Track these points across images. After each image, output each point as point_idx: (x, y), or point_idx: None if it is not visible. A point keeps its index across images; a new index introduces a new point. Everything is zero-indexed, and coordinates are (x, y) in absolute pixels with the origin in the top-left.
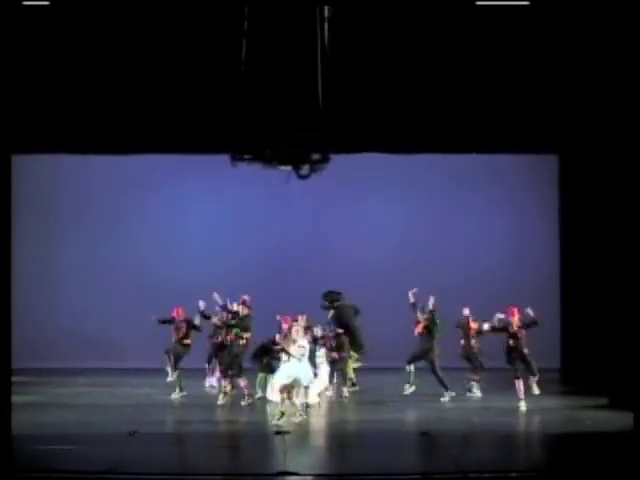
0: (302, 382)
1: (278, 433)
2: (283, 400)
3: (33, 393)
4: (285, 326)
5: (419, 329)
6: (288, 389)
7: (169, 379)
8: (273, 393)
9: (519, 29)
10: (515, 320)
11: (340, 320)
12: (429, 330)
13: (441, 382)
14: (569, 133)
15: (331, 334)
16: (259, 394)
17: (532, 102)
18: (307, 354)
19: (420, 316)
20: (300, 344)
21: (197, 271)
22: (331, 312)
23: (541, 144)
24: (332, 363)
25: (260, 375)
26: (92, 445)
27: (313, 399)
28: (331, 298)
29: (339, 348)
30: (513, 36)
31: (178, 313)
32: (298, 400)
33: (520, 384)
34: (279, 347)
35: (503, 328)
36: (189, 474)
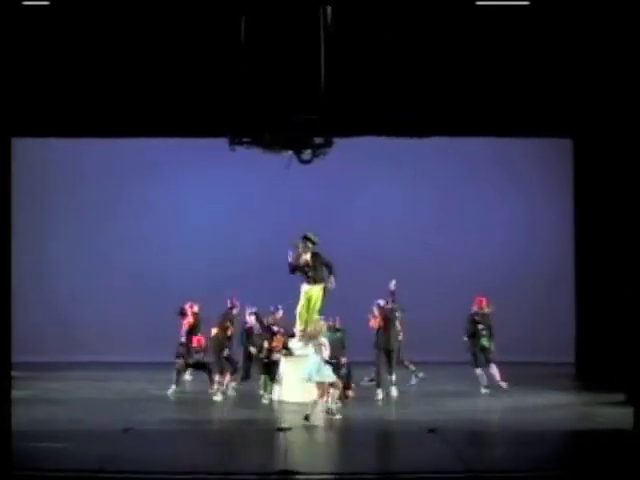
0: (328, 379)
1: (279, 430)
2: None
3: (22, 388)
4: (277, 316)
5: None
6: (323, 388)
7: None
8: (285, 393)
9: (533, 12)
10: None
11: None
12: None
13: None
14: (584, 115)
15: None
16: (265, 397)
17: (544, 82)
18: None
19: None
20: (321, 341)
21: (195, 260)
22: None
23: (554, 127)
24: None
25: (263, 377)
26: (84, 443)
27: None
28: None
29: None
30: (526, 18)
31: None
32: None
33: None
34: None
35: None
36: (186, 473)
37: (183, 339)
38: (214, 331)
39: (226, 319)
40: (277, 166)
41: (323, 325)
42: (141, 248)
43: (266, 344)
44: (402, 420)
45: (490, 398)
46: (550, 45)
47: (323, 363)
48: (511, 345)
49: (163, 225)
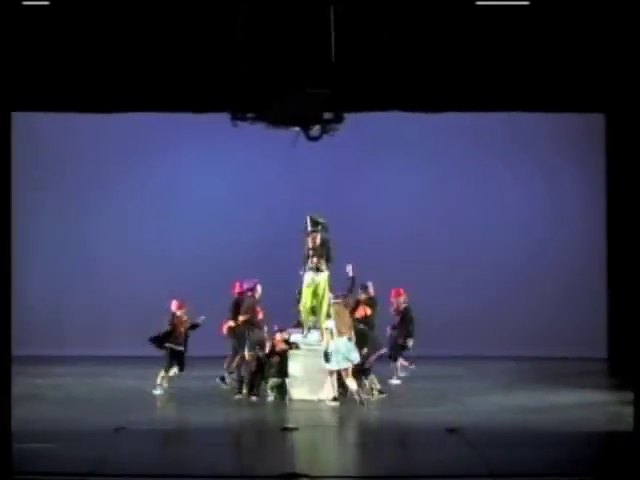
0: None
1: (285, 430)
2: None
3: None
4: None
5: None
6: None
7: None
8: (292, 390)
9: None
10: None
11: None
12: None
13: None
14: (618, 87)
15: None
16: (271, 397)
17: (573, 51)
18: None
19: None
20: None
21: (193, 245)
22: None
23: (585, 101)
24: None
25: (273, 380)
26: (72, 444)
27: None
28: None
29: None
30: None
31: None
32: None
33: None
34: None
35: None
36: (183, 476)
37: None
38: (241, 319)
39: (249, 306)
40: (283, 143)
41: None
42: (134, 233)
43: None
44: (418, 419)
45: (514, 396)
46: (580, 13)
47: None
48: (536, 339)
49: (159, 208)
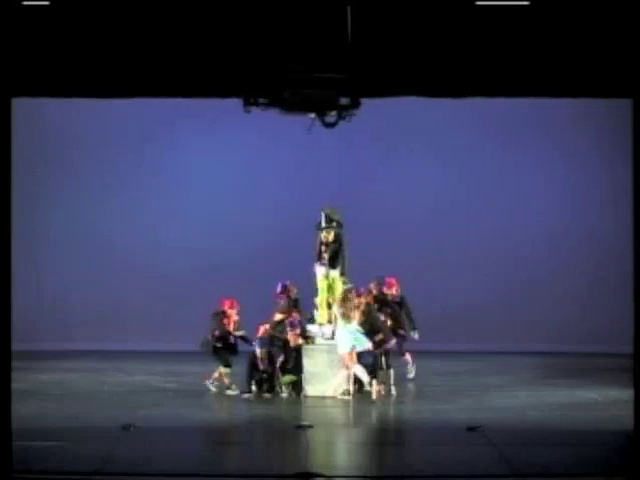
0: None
1: (299, 427)
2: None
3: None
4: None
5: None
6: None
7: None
8: (306, 386)
9: None
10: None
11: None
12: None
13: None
14: None
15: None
16: (285, 394)
17: (601, 35)
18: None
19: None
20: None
21: (202, 237)
22: None
23: (613, 86)
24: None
25: (289, 376)
26: (79, 441)
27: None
28: None
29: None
30: None
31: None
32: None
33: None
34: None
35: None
36: (193, 475)
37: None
38: (275, 318)
39: (283, 307)
40: (297, 130)
41: (354, 303)
42: (143, 223)
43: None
44: (437, 417)
45: (537, 392)
46: None
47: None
48: (559, 334)
49: (166, 199)
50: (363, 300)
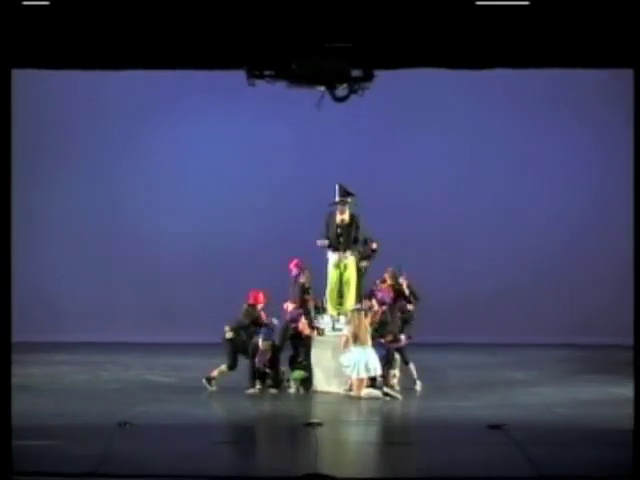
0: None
1: (308, 425)
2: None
3: None
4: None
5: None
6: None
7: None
8: (316, 381)
9: None
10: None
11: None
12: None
13: None
14: None
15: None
16: (292, 389)
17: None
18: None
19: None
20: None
21: (203, 221)
22: None
23: (613, 55)
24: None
25: (299, 372)
26: (72, 440)
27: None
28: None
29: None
30: None
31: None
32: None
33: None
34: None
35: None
36: (194, 477)
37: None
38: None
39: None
40: (306, 104)
41: (366, 321)
42: (141, 206)
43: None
44: (456, 414)
45: (566, 387)
46: None
47: (372, 354)
48: (588, 324)
49: (166, 180)
50: (378, 309)
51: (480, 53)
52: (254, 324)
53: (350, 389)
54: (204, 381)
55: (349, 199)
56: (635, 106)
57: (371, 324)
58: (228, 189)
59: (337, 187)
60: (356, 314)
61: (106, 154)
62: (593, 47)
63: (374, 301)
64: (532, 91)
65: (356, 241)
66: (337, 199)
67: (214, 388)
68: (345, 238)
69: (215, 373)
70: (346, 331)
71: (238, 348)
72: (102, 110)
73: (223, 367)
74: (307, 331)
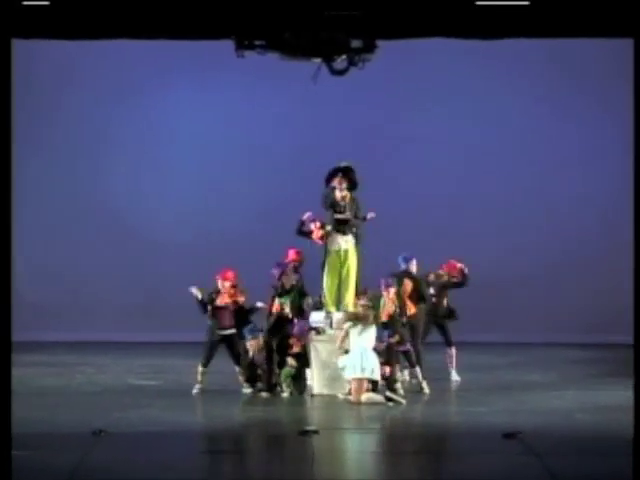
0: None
1: (303, 433)
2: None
3: None
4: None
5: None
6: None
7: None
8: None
9: None
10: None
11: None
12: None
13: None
14: None
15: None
16: (286, 394)
17: None
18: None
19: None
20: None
21: (197, 202)
22: None
23: (613, 25)
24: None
25: (287, 369)
26: (43, 450)
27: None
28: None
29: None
30: None
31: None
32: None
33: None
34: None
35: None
36: None
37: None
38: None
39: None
40: (300, 78)
41: (371, 314)
42: (120, 190)
43: None
44: (467, 421)
45: (588, 391)
46: None
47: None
48: (604, 321)
49: (148, 162)
50: (392, 298)
51: (488, 23)
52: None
53: (349, 393)
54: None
55: (350, 175)
56: (635, 76)
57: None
58: (218, 172)
59: (338, 165)
60: (361, 311)
61: (92, 131)
62: (593, 16)
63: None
64: (545, 70)
65: (357, 218)
66: (342, 165)
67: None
68: (345, 217)
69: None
70: (345, 326)
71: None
72: (86, 89)
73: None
74: (297, 348)
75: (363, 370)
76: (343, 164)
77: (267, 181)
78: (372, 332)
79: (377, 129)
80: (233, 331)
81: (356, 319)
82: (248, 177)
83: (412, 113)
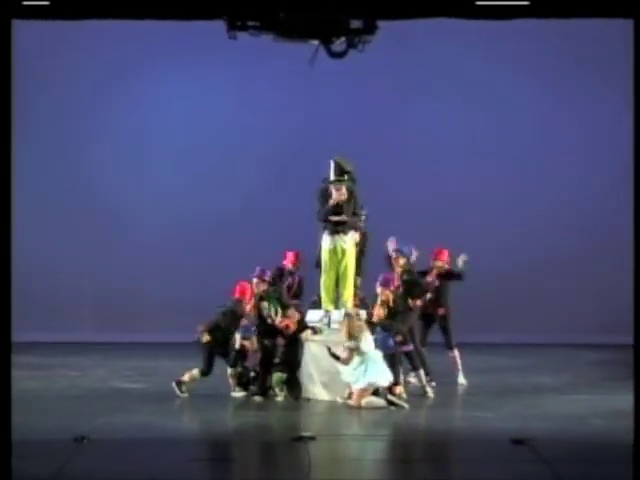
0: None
1: (299, 440)
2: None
3: None
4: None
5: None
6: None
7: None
8: (308, 388)
9: None
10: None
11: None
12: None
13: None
14: None
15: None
16: (280, 397)
17: None
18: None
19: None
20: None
21: (185, 192)
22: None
23: (613, 5)
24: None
25: (277, 374)
26: (22, 458)
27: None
28: None
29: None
30: None
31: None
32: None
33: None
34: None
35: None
36: None
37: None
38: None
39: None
40: (296, 61)
41: (363, 324)
42: (102, 175)
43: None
44: (474, 427)
45: (603, 395)
46: None
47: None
48: (621, 321)
49: (139, 146)
50: (390, 294)
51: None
52: (235, 322)
53: (349, 397)
54: (173, 385)
55: (346, 177)
56: (635, 57)
57: (378, 316)
58: (209, 155)
59: (332, 164)
60: (346, 320)
61: (77, 116)
62: None
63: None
64: (551, 53)
65: (355, 216)
66: (332, 178)
67: (185, 394)
68: (343, 217)
69: (186, 377)
70: (347, 344)
71: (216, 351)
72: (71, 73)
73: (195, 372)
74: (292, 327)
75: (368, 377)
76: (333, 176)
77: (260, 169)
78: (369, 336)
79: (377, 114)
80: None
81: (351, 336)
82: (240, 166)
83: (414, 97)
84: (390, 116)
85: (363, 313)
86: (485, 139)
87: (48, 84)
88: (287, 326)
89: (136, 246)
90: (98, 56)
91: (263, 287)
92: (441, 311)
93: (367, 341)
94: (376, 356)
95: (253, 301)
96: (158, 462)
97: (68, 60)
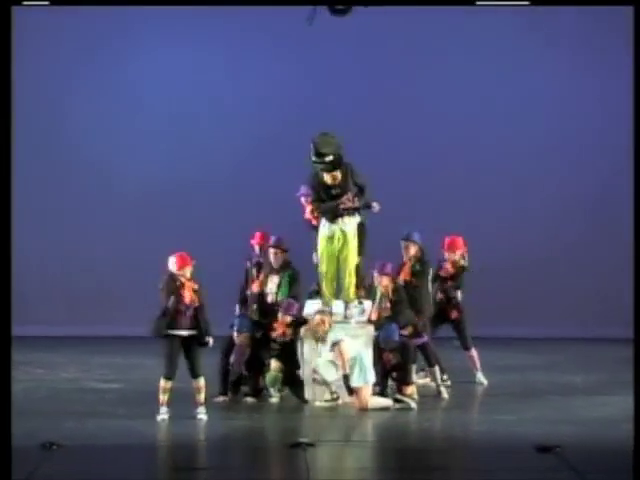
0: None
1: (296, 446)
2: None
3: None
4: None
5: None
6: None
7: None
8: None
9: None
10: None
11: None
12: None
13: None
14: None
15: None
16: (275, 399)
17: None
18: None
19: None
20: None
21: (169, 171)
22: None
23: None
24: None
25: (271, 373)
26: None
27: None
28: None
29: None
30: None
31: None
32: None
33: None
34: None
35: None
36: None
37: None
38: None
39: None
40: (294, 20)
41: (329, 319)
42: (88, 142)
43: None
44: (493, 432)
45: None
46: None
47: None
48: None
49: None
50: (388, 282)
51: None
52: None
53: (334, 400)
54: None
55: (327, 159)
56: (635, 44)
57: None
58: (194, 127)
59: (312, 146)
60: (318, 317)
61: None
62: None
63: (376, 274)
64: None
65: (362, 190)
66: (313, 159)
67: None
68: (341, 198)
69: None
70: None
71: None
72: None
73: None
74: (282, 330)
75: (363, 376)
76: (313, 157)
77: (250, 148)
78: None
79: (378, 74)
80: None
81: (316, 338)
82: (234, 139)
83: (419, 59)
84: (394, 75)
85: (368, 304)
86: (490, 132)
87: (25, 59)
88: (283, 334)
89: (115, 230)
90: (86, 18)
91: (283, 258)
92: (454, 315)
93: (354, 341)
94: (365, 355)
95: (261, 277)
96: (136, 471)
97: (54, 23)
